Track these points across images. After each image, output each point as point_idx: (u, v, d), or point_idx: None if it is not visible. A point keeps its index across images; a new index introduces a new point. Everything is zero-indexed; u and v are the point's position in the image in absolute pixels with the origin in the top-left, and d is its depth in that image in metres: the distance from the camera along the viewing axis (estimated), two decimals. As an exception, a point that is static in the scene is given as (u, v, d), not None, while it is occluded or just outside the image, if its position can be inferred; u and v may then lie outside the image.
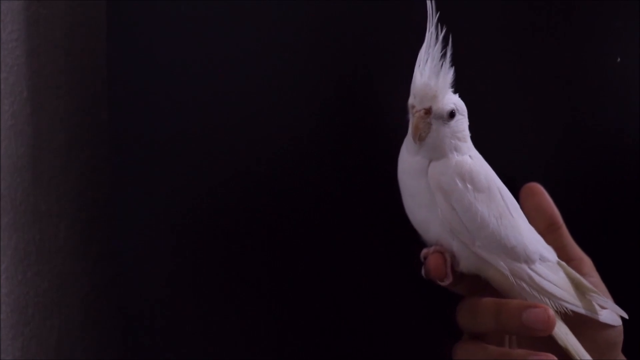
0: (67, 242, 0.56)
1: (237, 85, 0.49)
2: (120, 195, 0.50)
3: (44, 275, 0.53)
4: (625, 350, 0.42)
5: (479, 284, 0.40)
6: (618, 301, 0.41)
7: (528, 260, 0.38)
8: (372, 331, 0.50)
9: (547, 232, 0.43)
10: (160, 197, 0.50)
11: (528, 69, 0.49)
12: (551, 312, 0.37)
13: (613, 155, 0.50)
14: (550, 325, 0.37)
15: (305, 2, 0.48)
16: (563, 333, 0.38)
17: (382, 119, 0.48)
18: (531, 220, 0.42)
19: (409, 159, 0.39)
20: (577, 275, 0.41)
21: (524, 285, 0.38)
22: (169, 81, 0.49)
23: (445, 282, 0.39)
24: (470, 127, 0.41)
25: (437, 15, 0.37)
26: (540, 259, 0.39)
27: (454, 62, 0.43)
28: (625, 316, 0.41)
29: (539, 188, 0.44)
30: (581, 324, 0.40)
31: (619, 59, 0.48)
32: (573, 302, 0.39)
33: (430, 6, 0.37)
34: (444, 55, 0.37)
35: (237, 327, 0.51)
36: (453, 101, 0.38)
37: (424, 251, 0.39)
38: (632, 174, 0.49)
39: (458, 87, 0.41)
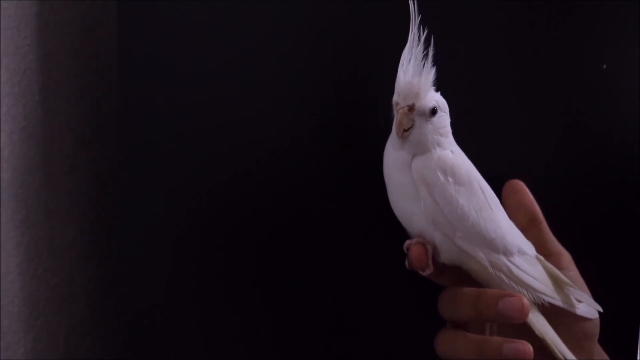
0: (76, 239, 0.59)
1: (241, 89, 0.51)
2: (126, 196, 0.52)
3: (54, 271, 0.56)
4: (603, 342, 0.44)
5: (461, 276, 0.43)
6: (603, 296, 0.44)
7: (507, 252, 0.41)
8: (372, 331, 0.52)
9: (528, 227, 0.45)
10: (166, 197, 0.52)
11: (528, 69, 0.51)
12: (525, 301, 0.40)
13: (610, 156, 0.52)
14: (525, 313, 0.40)
15: (309, 4, 0.50)
16: (540, 324, 0.41)
17: (383, 119, 0.50)
18: (513, 216, 0.44)
19: (393, 154, 0.42)
20: (555, 270, 0.43)
21: (503, 276, 0.41)
22: (177, 85, 0.51)
23: (427, 272, 0.42)
24: (467, 127, 0.44)
25: (420, 16, 0.40)
26: (518, 251, 0.42)
27: (453, 63, 0.46)
28: (601, 310, 0.43)
29: (520, 185, 0.47)
30: (559, 316, 0.42)
31: (604, 66, 0.50)
32: (550, 294, 0.42)
33: (412, 7, 0.40)
34: (426, 55, 0.40)
35: (240, 328, 0.53)
36: (435, 98, 0.41)
37: (407, 242, 0.42)
38: (629, 174, 0.51)
39: (457, 87, 0.44)
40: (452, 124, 0.43)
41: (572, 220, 0.50)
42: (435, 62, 0.42)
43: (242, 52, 0.51)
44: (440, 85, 0.42)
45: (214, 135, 0.52)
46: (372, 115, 0.51)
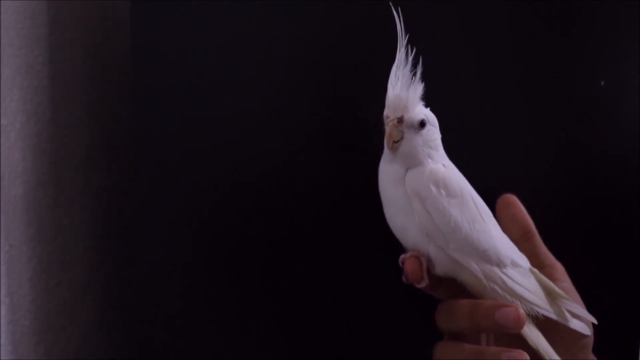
0: (86, 254, 0.62)
1: (250, 101, 0.53)
2: (135, 210, 0.55)
3: (64, 285, 0.59)
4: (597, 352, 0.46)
5: (456, 288, 0.44)
6: (594, 305, 0.45)
7: (500, 264, 0.43)
8: (373, 331, 0.54)
9: (522, 240, 0.47)
10: (175, 213, 0.54)
11: (523, 82, 0.53)
12: (521, 311, 0.42)
13: (603, 169, 0.54)
14: (521, 323, 0.41)
15: (314, 15, 0.53)
16: (534, 335, 0.42)
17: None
18: (506, 229, 0.46)
19: (387, 168, 0.45)
20: (549, 282, 0.45)
21: (497, 288, 0.43)
22: (188, 102, 0.54)
23: (422, 285, 0.43)
24: (461, 140, 0.46)
25: (407, 36, 0.43)
26: (512, 263, 0.44)
27: (449, 75, 0.48)
28: (595, 322, 0.44)
29: (513, 199, 0.49)
30: (553, 327, 0.44)
31: (602, 83, 0.52)
32: (544, 306, 0.43)
33: (399, 27, 0.43)
34: (414, 70, 0.43)
35: (249, 331, 0.55)
36: (424, 112, 0.44)
37: (402, 256, 0.44)
38: (622, 187, 0.53)
39: (452, 99, 0.46)
40: (446, 137, 0.45)
41: (566, 231, 0.52)
42: (430, 75, 0.44)
43: (250, 63, 0.54)
44: (435, 97, 0.45)
45: (224, 151, 0.54)
46: (375, 119, 0.51)
